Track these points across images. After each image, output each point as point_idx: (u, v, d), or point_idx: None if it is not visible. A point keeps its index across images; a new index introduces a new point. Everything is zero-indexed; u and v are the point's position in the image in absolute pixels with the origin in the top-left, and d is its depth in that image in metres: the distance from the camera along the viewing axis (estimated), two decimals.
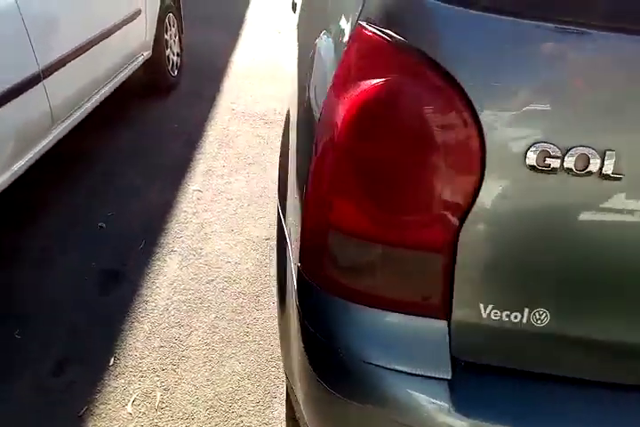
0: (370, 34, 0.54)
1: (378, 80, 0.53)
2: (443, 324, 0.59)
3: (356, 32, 0.55)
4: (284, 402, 1.40)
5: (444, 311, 0.59)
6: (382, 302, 0.61)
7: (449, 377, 0.58)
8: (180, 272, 1.88)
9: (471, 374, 0.60)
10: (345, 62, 0.57)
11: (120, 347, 1.59)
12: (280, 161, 1.15)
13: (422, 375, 0.58)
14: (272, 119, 2.94)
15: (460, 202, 0.55)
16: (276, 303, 1.04)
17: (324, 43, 0.79)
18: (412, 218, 0.57)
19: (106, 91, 2.39)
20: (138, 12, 2.58)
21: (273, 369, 1.55)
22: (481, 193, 0.54)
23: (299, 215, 0.70)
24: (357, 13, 0.57)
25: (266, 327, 1.68)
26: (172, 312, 1.72)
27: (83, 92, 2.19)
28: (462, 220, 0.56)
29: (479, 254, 0.57)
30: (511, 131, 0.53)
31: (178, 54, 3.22)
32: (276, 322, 1.67)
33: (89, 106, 2.25)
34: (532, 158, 0.53)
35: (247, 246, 2.01)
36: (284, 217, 0.83)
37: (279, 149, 2.68)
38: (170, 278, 1.85)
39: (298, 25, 1.63)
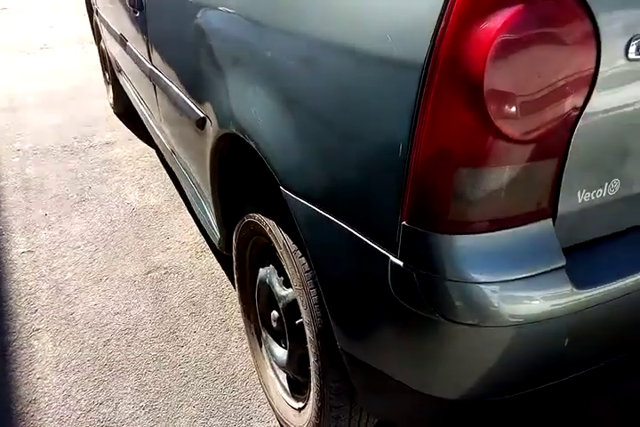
0: None
1: (513, 6, 0.55)
2: (549, 221, 0.65)
3: None
4: (264, 417, 1.26)
5: (551, 210, 0.65)
6: (503, 223, 0.64)
7: (564, 263, 0.64)
8: (61, 349, 1.48)
9: (578, 253, 0.67)
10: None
11: None
12: None
13: (545, 272, 0.63)
14: (77, 148, 2.51)
15: (578, 104, 0.60)
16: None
17: None
18: (541, 128, 0.59)
19: None
20: None
21: (233, 393, 1.34)
22: (594, 92, 0.60)
23: None
24: None
25: (201, 359, 1.43)
26: (79, 395, 1.35)
27: None
28: (577, 120, 0.61)
29: (588, 149, 0.63)
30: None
31: None
32: (211, 348, 1.45)
33: None
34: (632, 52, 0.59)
35: (130, 289, 1.69)
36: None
37: (107, 177, 2.30)
38: (51, 362, 1.45)
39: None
